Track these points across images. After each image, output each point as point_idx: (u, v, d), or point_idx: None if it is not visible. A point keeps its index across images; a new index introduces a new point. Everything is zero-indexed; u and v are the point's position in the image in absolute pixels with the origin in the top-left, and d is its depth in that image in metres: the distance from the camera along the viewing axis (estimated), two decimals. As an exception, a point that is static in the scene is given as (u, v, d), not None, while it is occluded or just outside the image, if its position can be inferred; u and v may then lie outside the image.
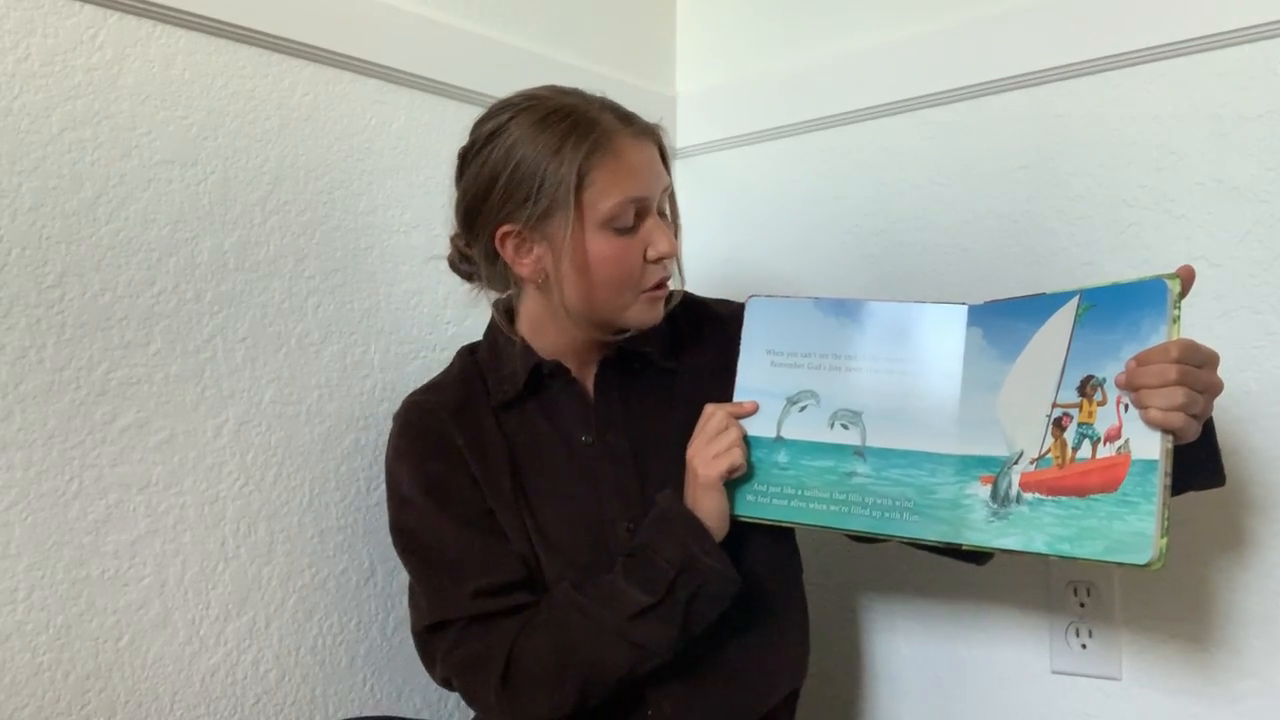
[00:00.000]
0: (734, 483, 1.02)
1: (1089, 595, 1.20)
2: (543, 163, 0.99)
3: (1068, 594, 1.21)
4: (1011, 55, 1.26)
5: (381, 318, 1.25)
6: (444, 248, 1.14)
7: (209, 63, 1.11)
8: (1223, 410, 1.12)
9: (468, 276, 1.11)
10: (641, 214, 1.02)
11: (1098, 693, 1.19)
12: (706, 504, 0.99)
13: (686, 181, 1.59)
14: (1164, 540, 0.81)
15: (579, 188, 0.98)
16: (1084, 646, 1.20)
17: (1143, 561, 0.81)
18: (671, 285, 1.07)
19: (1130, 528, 0.82)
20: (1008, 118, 1.29)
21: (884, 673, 1.36)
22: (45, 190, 1.00)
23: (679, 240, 1.08)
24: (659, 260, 1.03)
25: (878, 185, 1.40)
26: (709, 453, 1.00)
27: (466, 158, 1.05)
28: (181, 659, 1.07)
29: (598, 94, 1.05)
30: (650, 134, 1.04)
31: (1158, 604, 1.16)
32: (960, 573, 1.28)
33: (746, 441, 1.02)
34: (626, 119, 1.03)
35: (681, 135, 1.57)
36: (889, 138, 1.39)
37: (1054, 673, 1.22)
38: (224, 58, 1.13)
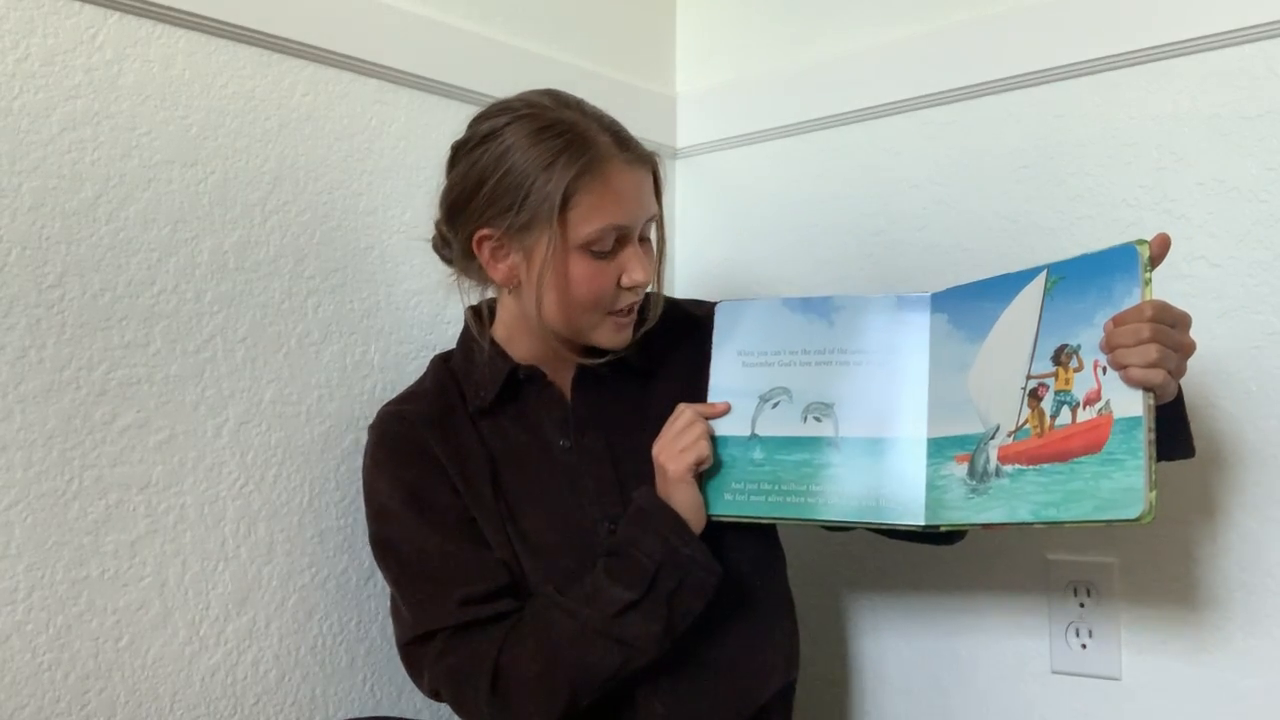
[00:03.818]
0: (711, 482, 1.03)
1: (1089, 595, 1.20)
2: (531, 175, 0.98)
3: (1068, 594, 1.21)
4: (1011, 55, 1.26)
5: (381, 318, 1.25)
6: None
7: (209, 63, 1.11)
8: (1222, 409, 1.12)
9: (448, 261, 1.11)
10: (622, 241, 1.02)
11: (1098, 693, 1.19)
12: (679, 498, 1.00)
13: (686, 181, 1.59)
14: (1153, 494, 0.81)
15: (563, 207, 0.98)
16: (1084, 646, 1.20)
17: (1134, 515, 0.81)
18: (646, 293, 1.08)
19: (1118, 484, 0.83)
20: (1008, 118, 1.29)
21: (883, 672, 1.36)
22: (45, 190, 1.00)
23: (662, 263, 1.09)
24: (632, 288, 1.04)
25: (878, 185, 1.40)
26: (675, 448, 1.01)
27: (459, 153, 1.05)
28: (181, 659, 1.07)
29: (600, 109, 1.04)
30: (645, 162, 1.04)
31: (1158, 604, 1.16)
32: (960, 572, 1.28)
33: (714, 439, 1.03)
34: (624, 144, 1.02)
35: (681, 135, 1.57)
36: (889, 138, 1.39)
37: (1054, 673, 1.22)
38: (224, 58, 1.13)
